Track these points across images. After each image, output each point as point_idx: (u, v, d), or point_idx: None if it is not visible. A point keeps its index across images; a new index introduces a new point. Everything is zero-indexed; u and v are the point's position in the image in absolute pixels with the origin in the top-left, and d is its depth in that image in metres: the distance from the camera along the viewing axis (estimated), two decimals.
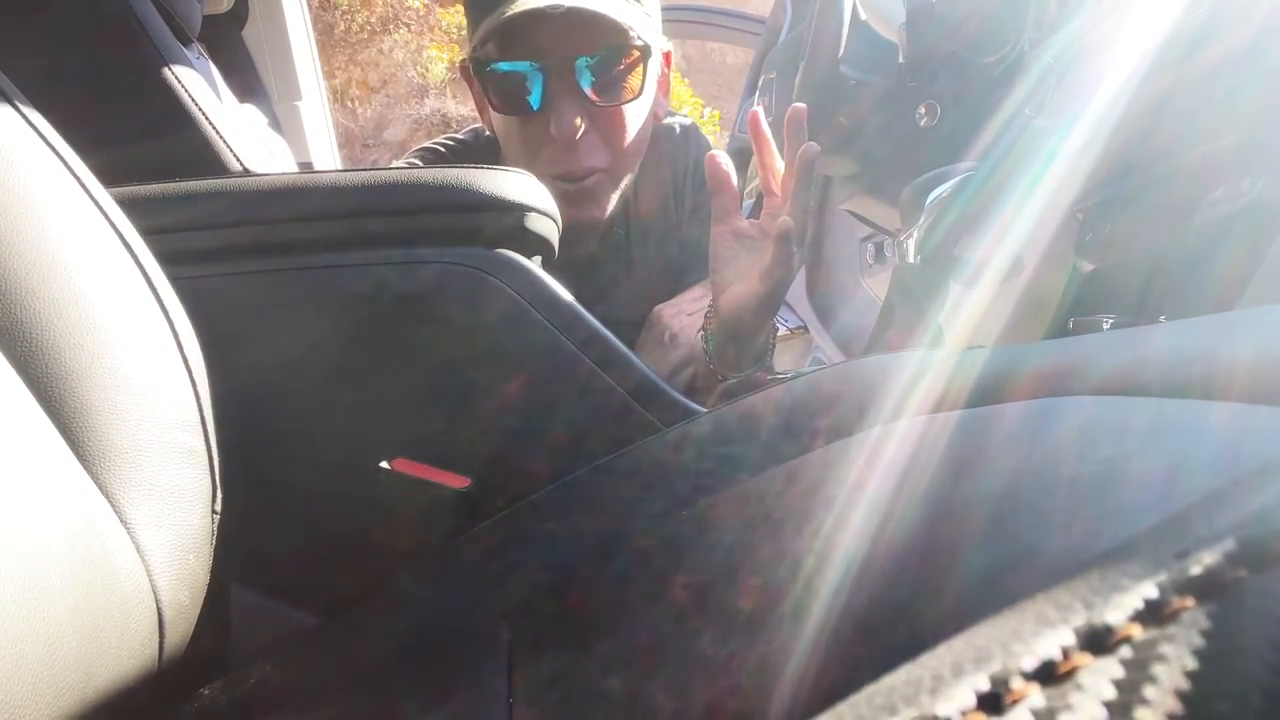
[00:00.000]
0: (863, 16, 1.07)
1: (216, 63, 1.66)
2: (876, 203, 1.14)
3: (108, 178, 0.52)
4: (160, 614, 0.46)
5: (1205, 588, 0.16)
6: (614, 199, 1.01)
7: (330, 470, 0.67)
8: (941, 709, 0.15)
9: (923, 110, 0.95)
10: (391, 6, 5.37)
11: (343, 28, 5.25)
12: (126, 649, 0.44)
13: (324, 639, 0.65)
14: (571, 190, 0.97)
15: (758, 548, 0.44)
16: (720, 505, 0.49)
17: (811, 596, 0.35)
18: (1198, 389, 0.31)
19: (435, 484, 0.66)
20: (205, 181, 0.66)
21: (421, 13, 5.44)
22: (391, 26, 5.36)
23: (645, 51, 0.95)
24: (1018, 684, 0.15)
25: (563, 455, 0.64)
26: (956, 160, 0.76)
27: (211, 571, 0.52)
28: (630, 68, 0.95)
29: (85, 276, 0.47)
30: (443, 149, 1.11)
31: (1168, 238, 0.61)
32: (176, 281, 0.52)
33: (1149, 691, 0.14)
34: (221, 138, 1.29)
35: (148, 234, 0.52)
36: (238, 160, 1.31)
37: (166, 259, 0.52)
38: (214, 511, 0.52)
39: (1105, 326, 0.64)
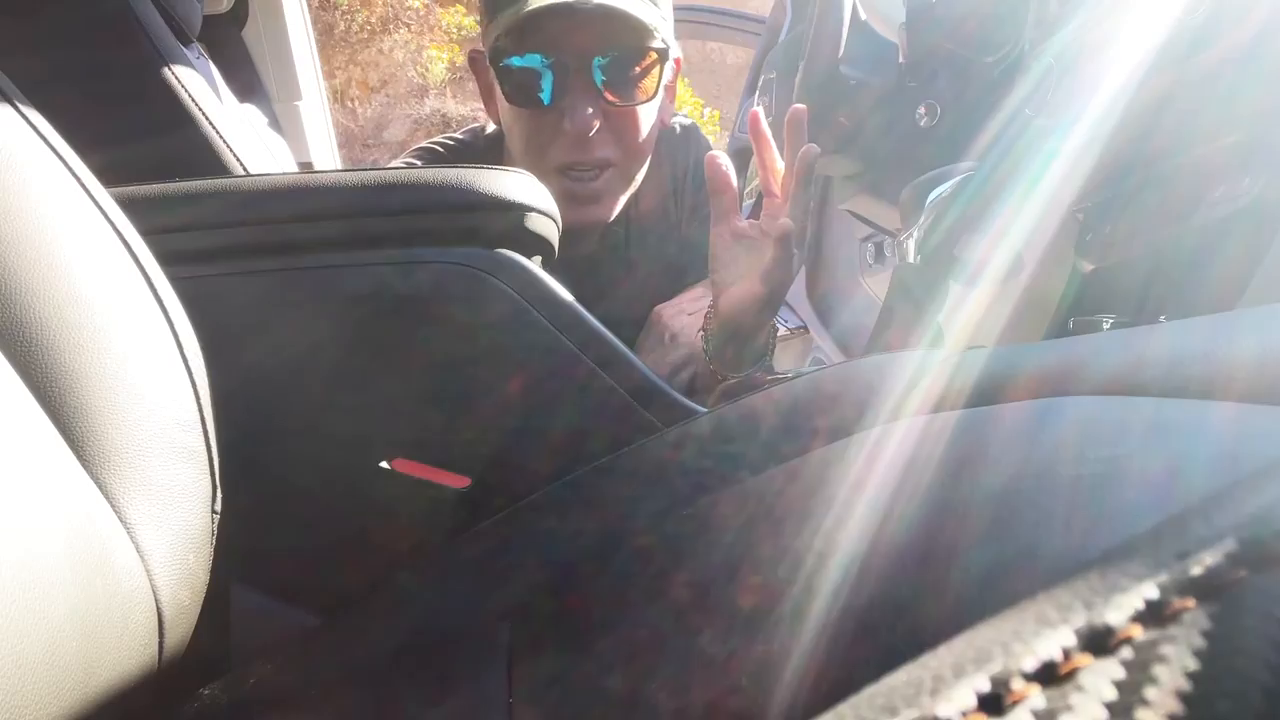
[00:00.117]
0: (863, 16, 1.07)
1: (216, 63, 1.66)
2: (876, 203, 1.14)
3: (108, 178, 0.52)
4: (160, 614, 0.46)
5: (1206, 588, 0.16)
6: (620, 201, 1.02)
7: (330, 470, 0.67)
8: (942, 709, 0.15)
9: (923, 110, 0.95)
10: (391, 6, 5.37)
11: (343, 28, 5.25)
12: (126, 649, 0.44)
13: (324, 639, 0.65)
14: (580, 189, 0.97)
15: (758, 547, 0.44)
16: (720, 504, 0.49)
17: (812, 596, 0.35)
18: (1198, 389, 0.31)
19: (435, 484, 0.66)
20: (205, 181, 0.66)
21: (421, 13, 5.44)
22: (391, 26, 5.35)
23: (663, 55, 0.95)
24: (1018, 684, 0.15)
25: (563, 455, 0.64)
26: (956, 160, 0.77)
27: (211, 571, 0.52)
28: (647, 70, 0.95)
29: (85, 276, 0.47)
30: (441, 149, 1.10)
31: (1168, 238, 0.61)
32: (176, 281, 0.52)
33: (1150, 692, 0.14)
34: (221, 138, 1.29)
35: (148, 234, 0.52)
36: (238, 160, 1.31)
37: (166, 259, 0.52)
38: (214, 511, 0.52)
39: (1105, 326, 0.64)
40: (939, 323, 0.71)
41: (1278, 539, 0.16)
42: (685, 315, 1.00)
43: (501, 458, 0.66)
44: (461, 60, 5.41)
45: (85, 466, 0.44)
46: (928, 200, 0.74)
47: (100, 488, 0.44)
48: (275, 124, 1.97)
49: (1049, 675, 0.15)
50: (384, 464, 0.66)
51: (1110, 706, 0.14)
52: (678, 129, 1.14)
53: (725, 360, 0.85)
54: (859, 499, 0.38)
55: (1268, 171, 0.53)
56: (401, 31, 5.37)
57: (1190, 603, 0.16)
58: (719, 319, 0.84)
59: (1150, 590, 0.16)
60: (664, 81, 0.99)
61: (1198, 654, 0.15)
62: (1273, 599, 0.15)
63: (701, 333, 0.88)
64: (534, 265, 0.66)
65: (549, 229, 0.69)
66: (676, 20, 1.03)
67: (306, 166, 2.12)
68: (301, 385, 0.65)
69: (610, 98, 0.93)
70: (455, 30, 5.45)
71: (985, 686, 0.15)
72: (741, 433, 0.52)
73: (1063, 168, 0.62)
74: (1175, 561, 0.16)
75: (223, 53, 1.83)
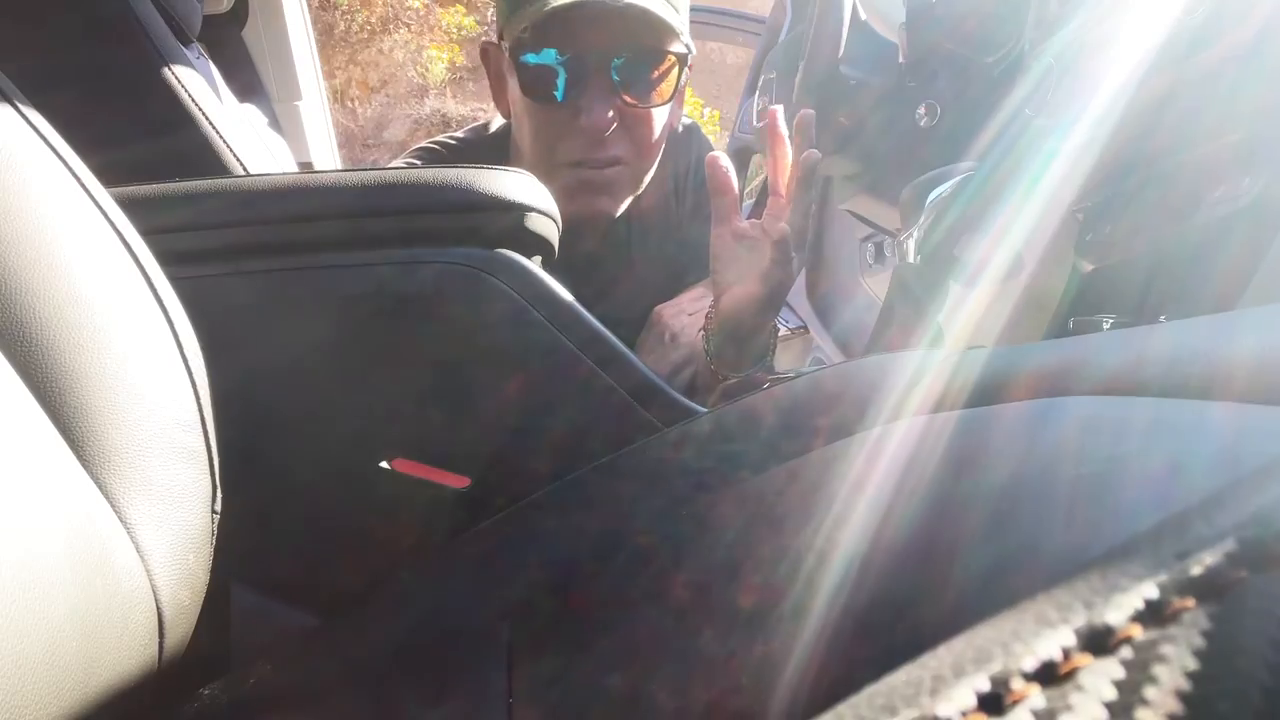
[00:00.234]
0: (863, 16, 1.08)
1: (216, 63, 1.66)
2: (876, 203, 1.14)
3: (108, 178, 0.52)
4: (160, 614, 0.46)
5: (1206, 588, 0.16)
6: (628, 198, 1.02)
7: (330, 470, 0.67)
8: (942, 709, 0.15)
9: (923, 110, 0.95)
10: (391, 6, 5.37)
11: (343, 28, 5.25)
12: (126, 649, 0.44)
13: (324, 639, 0.65)
14: (592, 177, 0.97)
15: (758, 547, 0.44)
16: (721, 504, 0.49)
17: (812, 595, 0.35)
18: (1198, 389, 0.31)
19: (435, 484, 0.66)
20: (205, 181, 0.66)
21: (421, 13, 5.44)
22: (391, 26, 5.36)
23: (682, 59, 0.95)
24: (1018, 684, 0.15)
25: (563, 455, 0.64)
26: (956, 160, 0.77)
27: (211, 571, 0.52)
28: (665, 73, 0.95)
29: (85, 276, 0.47)
30: (441, 149, 1.10)
31: (1168, 238, 0.61)
32: (176, 281, 0.52)
33: (1149, 692, 0.14)
34: (221, 138, 1.29)
35: (148, 234, 0.52)
36: (238, 160, 1.31)
37: (166, 259, 0.52)
38: (214, 511, 0.52)
39: (1105, 326, 0.64)
40: (939, 323, 0.71)
41: (1278, 539, 0.16)
42: (685, 315, 1.00)
43: (501, 457, 0.66)
44: (462, 60, 5.41)
45: (85, 466, 0.44)
46: (928, 200, 0.74)
47: (100, 488, 0.44)
48: (275, 124, 1.97)
49: (1049, 675, 0.15)
50: (384, 464, 0.66)
51: (1110, 706, 0.14)
52: (679, 128, 1.14)
53: (725, 360, 0.85)
54: (859, 498, 0.38)
55: (1268, 171, 0.53)
56: (401, 31, 5.37)
57: (1190, 603, 0.16)
58: (719, 319, 0.84)
59: (1150, 590, 0.16)
60: (680, 85, 0.99)
61: (1198, 654, 0.15)
62: (1273, 599, 0.15)
63: (702, 332, 0.88)
64: (534, 265, 0.66)
65: (549, 229, 0.69)
66: None
67: (306, 166, 2.12)
68: (301, 385, 0.65)
69: (627, 98, 0.94)
70: (455, 30, 5.45)
71: (985, 686, 0.15)
72: (742, 432, 0.52)
73: (1063, 168, 0.62)
74: (1175, 561, 0.16)
75: (223, 53, 1.83)
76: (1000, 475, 0.34)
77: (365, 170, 0.66)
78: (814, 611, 0.35)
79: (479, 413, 0.66)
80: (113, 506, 0.45)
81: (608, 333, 0.66)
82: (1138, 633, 0.15)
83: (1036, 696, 0.15)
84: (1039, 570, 0.28)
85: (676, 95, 1.01)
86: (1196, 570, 0.16)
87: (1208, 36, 0.55)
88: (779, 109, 0.83)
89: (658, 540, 0.52)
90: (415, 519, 0.67)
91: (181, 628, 0.49)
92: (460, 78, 5.43)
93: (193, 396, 0.51)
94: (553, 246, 0.70)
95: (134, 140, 1.12)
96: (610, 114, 0.93)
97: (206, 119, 1.28)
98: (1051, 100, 0.69)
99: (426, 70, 5.35)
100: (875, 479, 0.38)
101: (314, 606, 0.68)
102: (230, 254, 0.64)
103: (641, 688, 0.43)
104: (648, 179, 1.03)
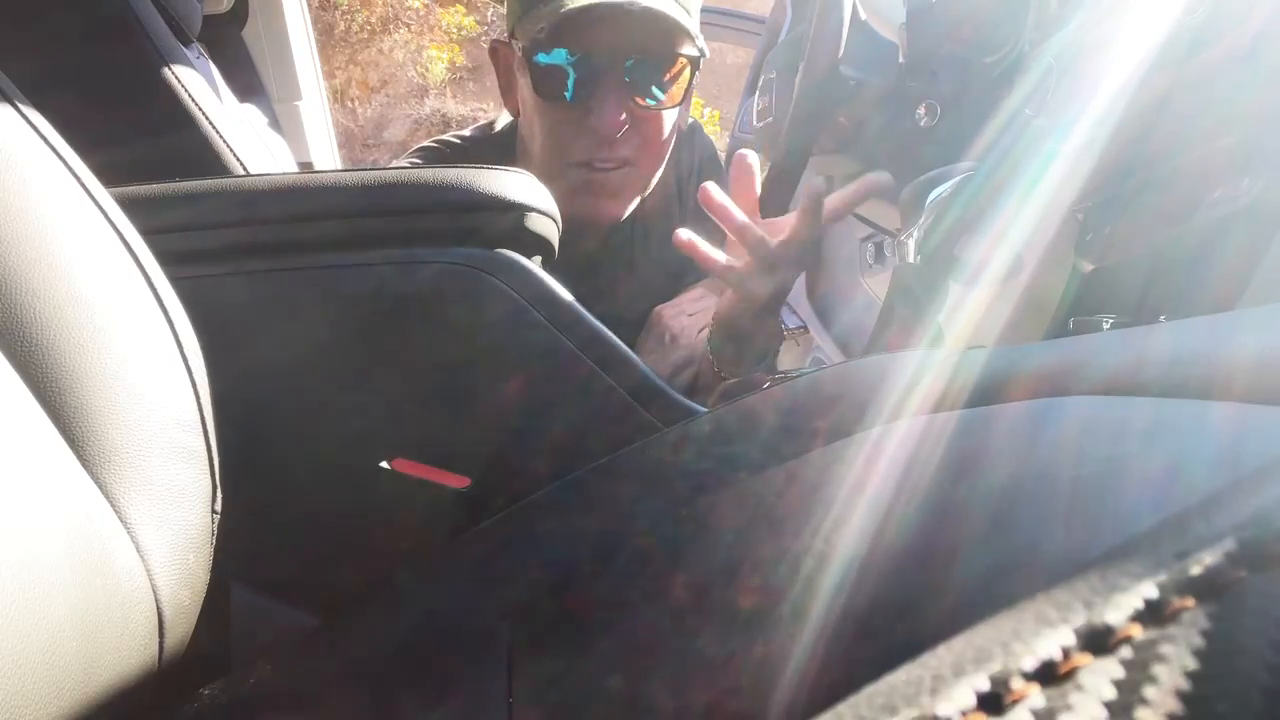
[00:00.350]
0: (863, 16, 1.07)
1: (216, 63, 1.66)
2: (876, 203, 1.14)
3: (108, 178, 0.52)
4: (160, 614, 0.46)
5: (1205, 588, 0.16)
6: (635, 200, 1.02)
7: (330, 470, 0.67)
8: (942, 709, 0.15)
9: (923, 110, 0.95)
10: (391, 6, 5.37)
11: (343, 28, 5.25)
12: (126, 649, 0.44)
13: (324, 639, 0.65)
14: (599, 181, 0.97)
15: (758, 547, 0.44)
16: (720, 505, 0.49)
17: (811, 596, 0.35)
18: (1198, 389, 0.31)
19: (435, 484, 0.66)
20: (205, 181, 0.66)
21: (421, 13, 5.44)
22: (391, 26, 5.36)
23: (694, 62, 0.95)
24: (1018, 684, 0.15)
25: (563, 455, 0.64)
26: (956, 160, 0.76)
27: (211, 571, 0.52)
28: (676, 75, 0.95)
29: (85, 276, 0.47)
30: (445, 148, 1.10)
31: (1168, 238, 0.61)
32: (176, 281, 0.52)
33: (1149, 692, 0.14)
34: (221, 138, 1.29)
35: (148, 234, 0.52)
36: (238, 160, 1.31)
37: (166, 259, 0.52)
38: (214, 511, 0.52)
39: (1105, 326, 0.64)
40: (939, 323, 0.71)
41: (1278, 539, 0.16)
42: (686, 316, 1.00)
43: (501, 458, 0.66)
44: (462, 60, 5.41)
45: (85, 466, 0.44)
46: (928, 200, 0.74)
47: (100, 488, 0.44)
48: (275, 124, 1.97)
49: (1049, 675, 0.15)
50: (384, 464, 0.66)
51: (1110, 706, 0.14)
52: (682, 128, 1.14)
53: (725, 360, 0.85)
54: (859, 499, 0.38)
55: (1267, 172, 0.53)
56: (401, 31, 5.37)
57: (1190, 603, 0.16)
58: (719, 319, 0.84)
59: (1150, 590, 0.16)
60: (691, 87, 0.99)
61: (1197, 654, 0.15)
62: (1273, 599, 0.15)
63: (704, 332, 0.88)
64: (534, 265, 0.66)
65: (549, 229, 0.69)
66: None
67: (306, 166, 2.12)
68: (302, 385, 0.65)
69: (638, 100, 0.94)
70: (455, 30, 5.45)
71: (985, 686, 0.15)
72: (741, 433, 0.52)
73: (1063, 168, 0.62)
74: (1175, 561, 0.16)
75: (223, 53, 1.83)
76: (1000, 475, 0.34)
77: (365, 170, 0.66)
78: (814, 612, 0.35)
79: (479, 413, 0.66)
80: (113, 506, 0.45)
81: (608, 333, 0.66)
82: (1137, 632, 0.15)
83: (1036, 696, 0.15)
84: (1039, 570, 0.28)
85: (685, 97, 1.01)
86: (1196, 570, 0.16)
87: (1208, 37, 0.55)
88: (711, 187, 0.81)
89: (657, 541, 0.52)
90: (415, 519, 0.67)
91: (181, 628, 0.49)
92: (460, 78, 5.43)
93: (193, 396, 0.51)
94: (553, 246, 0.70)
95: (134, 140, 1.12)
96: (622, 116, 0.93)
97: (206, 119, 1.28)
98: (1051, 100, 0.69)
99: (426, 70, 5.35)
100: (875, 479, 0.38)
101: (314, 606, 0.67)
102: (230, 254, 0.64)
103: (641, 688, 0.43)
104: (655, 180, 1.03)
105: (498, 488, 0.65)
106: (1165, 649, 0.15)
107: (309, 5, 2.22)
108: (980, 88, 0.88)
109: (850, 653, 0.33)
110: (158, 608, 0.46)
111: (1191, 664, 0.15)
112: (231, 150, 1.30)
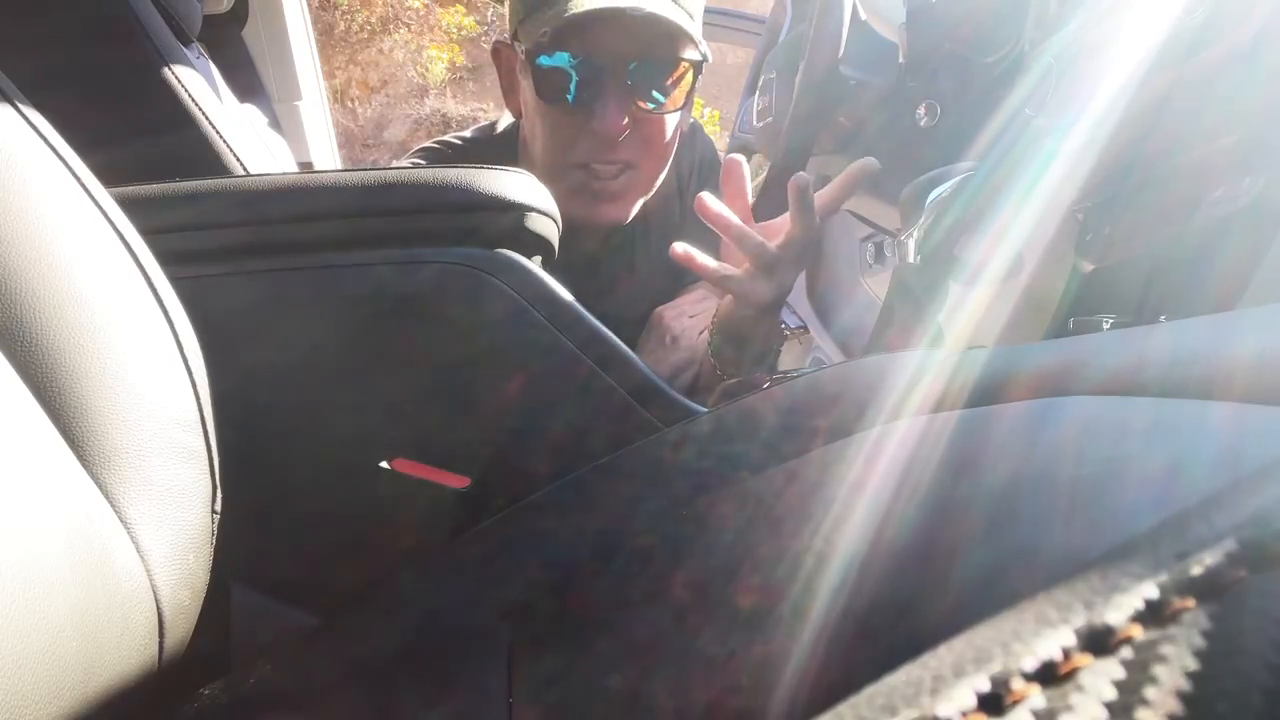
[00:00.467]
0: (863, 16, 1.07)
1: (216, 63, 1.66)
2: (876, 203, 1.14)
3: (108, 178, 0.52)
4: (160, 614, 0.46)
5: (1206, 588, 0.16)
6: (638, 204, 1.02)
7: (330, 470, 0.67)
8: (942, 709, 0.15)
9: (923, 110, 0.95)
10: (391, 6, 5.37)
11: (343, 28, 5.25)
12: (126, 649, 0.44)
13: (324, 639, 0.65)
14: (600, 187, 0.97)
15: (758, 547, 0.44)
16: (720, 504, 0.49)
17: (812, 596, 0.35)
18: (1198, 389, 0.31)
19: (435, 484, 0.66)
20: (205, 181, 0.66)
21: (421, 13, 5.44)
22: (391, 26, 5.36)
23: (697, 66, 0.96)
24: (1018, 684, 0.15)
25: (563, 455, 0.64)
26: (956, 160, 0.76)
27: (211, 571, 0.52)
28: (679, 79, 0.95)
29: (85, 276, 0.47)
30: (446, 148, 1.10)
31: (1168, 238, 0.61)
32: (176, 281, 0.52)
33: (1149, 692, 0.14)
34: (221, 138, 1.29)
35: (148, 234, 0.52)
36: (238, 160, 1.31)
37: (166, 259, 0.52)
38: (214, 511, 0.52)
39: (1105, 326, 0.64)
40: (939, 323, 0.71)
41: (1278, 539, 0.16)
42: (687, 317, 1.00)
43: (501, 458, 0.66)
44: (462, 60, 5.41)
45: (85, 466, 0.44)
46: (928, 200, 0.73)
47: (100, 488, 0.44)
48: (275, 124, 1.97)
49: (1049, 675, 0.15)
50: (384, 464, 0.66)
51: (1110, 706, 0.14)
52: (683, 130, 1.14)
53: (726, 360, 0.85)
54: (859, 499, 0.38)
55: (1268, 171, 0.53)
56: (401, 31, 5.38)
57: (1190, 603, 0.16)
58: (719, 319, 0.84)
59: (1150, 590, 0.16)
60: (693, 91, 0.99)
61: (1198, 654, 0.15)
62: (1273, 599, 0.15)
63: (705, 333, 0.88)
64: (534, 265, 0.66)
65: (549, 229, 0.69)
66: None
67: (306, 166, 2.12)
68: (301, 385, 0.65)
69: (640, 103, 0.94)
70: (455, 30, 5.45)
71: (985, 686, 0.15)
72: (741, 433, 0.52)
73: (1063, 168, 0.62)
74: (1175, 561, 0.16)
75: (223, 53, 1.83)
76: (1000, 475, 0.34)
77: (365, 170, 0.66)
78: (814, 612, 0.35)
79: (479, 413, 0.66)
80: (113, 506, 0.45)
81: (608, 333, 0.66)
82: (1138, 633, 0.15)
83: (1036, 696, 0.15)
84: (1039, 570, 0.28)
85: (687, 100, 1.01)
86: (1196, 570, 0.16)
87: (1208, 36, 0.55)
88: (684, 248, 0.80)
89: (658, 540, 0.52)
90: (415, 519, 0.67)
91: (181, 628, 0.49)
92: (460, 78, 5.43)
93: (193, 396, 0.51)
94: (553, 246, 0.70)
95: (134, 140, 1.12)
96: (624, 119, 0.93)
97: (206, 119, 1.28)
98: (1051, 100, 0.69)
99: (426, 70, 5.35)
100: (875, 479, 0.38)
101: (314, 606, 0.67)
102: (230, 254, 0.64)
103: (641, 688, 0.43)
104: (659, 183, 1.03)
105: (498, 488, 0.65)
106: (1166, 649, 0.15)
107: (309, 5, 2.22)
108: (980, 88, 0.88)
109: (850, 652, 0.33)
110: (158, 608, 0.46)
111: (1192, 664, 0.15)
112: (231, 150, 1.30)
